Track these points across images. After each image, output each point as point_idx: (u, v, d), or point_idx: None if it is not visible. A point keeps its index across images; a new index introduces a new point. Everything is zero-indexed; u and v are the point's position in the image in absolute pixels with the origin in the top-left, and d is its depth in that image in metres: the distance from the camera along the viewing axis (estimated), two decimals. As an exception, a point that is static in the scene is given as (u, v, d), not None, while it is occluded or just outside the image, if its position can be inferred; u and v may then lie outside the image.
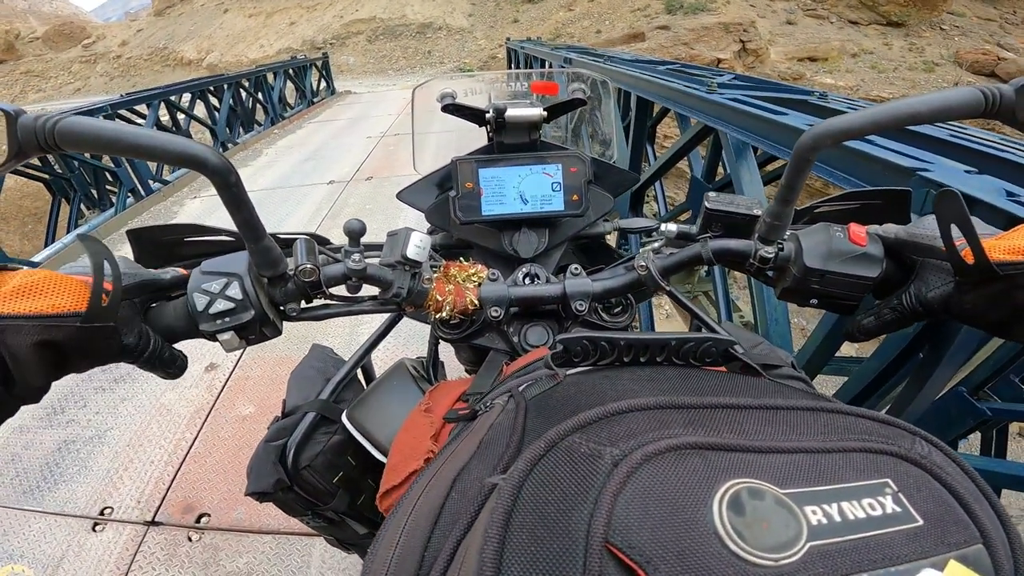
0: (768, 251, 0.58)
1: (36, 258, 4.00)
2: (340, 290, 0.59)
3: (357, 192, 5.13)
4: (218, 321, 0.51)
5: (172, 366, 0.54)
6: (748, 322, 3.13)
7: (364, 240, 0.59)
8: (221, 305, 0.50)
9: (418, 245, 0.57)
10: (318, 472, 0.75)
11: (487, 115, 0.73)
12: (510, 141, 0.76)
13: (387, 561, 0.32)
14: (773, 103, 2.00)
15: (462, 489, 0.32)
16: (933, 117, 0.44)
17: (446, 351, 0.93)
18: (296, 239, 0.57)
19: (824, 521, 0.22)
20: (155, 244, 0.61)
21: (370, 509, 0.82)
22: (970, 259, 0.46)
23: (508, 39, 10.96)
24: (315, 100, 10.61)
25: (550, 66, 6.04)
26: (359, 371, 0.88)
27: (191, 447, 2.19)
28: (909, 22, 19.80)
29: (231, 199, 0.45)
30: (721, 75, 3.25)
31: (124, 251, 0.60)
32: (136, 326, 0.49)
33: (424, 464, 0.53)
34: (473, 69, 20.66)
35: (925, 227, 0.54)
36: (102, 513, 1.94)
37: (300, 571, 1.70)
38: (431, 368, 0.90)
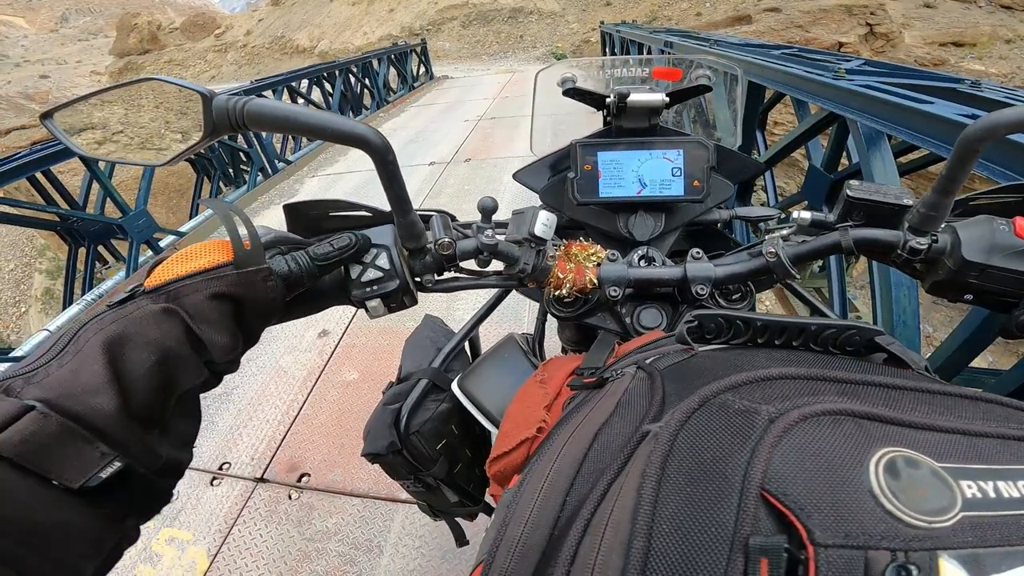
0: (920, 242, 0.55)
1: (182, 228, 4.52)
2: (469, 264, 0.62)
3: (456, 173, 5.29)
4: (367, 289, 0.54)
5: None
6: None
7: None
8: (371, 274, 0.54)
9: (545, 223, 0.58)
10: (425, 438, 0.80)
11: (608, 100, 0.73)
12: (629, 125, 0.76)
13: (531, 503, 0.34)
14: (913, 90, 1.80)
15: (604, 443, 0.34)
16: None
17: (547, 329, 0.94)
18: (431, 215, 0.60)
19: (979, 496, 0.21)
20: (306, 217, 0.67)
21: (464, 478, 0.87)
22: None
23: (602, 22, 10.63)
24: (415, 85, 11.03)
25: (648, 50, 5.84)
26: (466, 343, 0.92)
27: (301, 408, 2.34)
28: (1078, 4, 16.73)
29: (387, 175, 0.49)
30: (848, 60, 2.97)
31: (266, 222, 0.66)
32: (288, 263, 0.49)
33: (536, 432, 0.55)
34: (565, 53, 20.33)
35: None
36: (221, 468, 2.09)
37: (381, 535, 1.78)
38: (537, 343, 0.93)
